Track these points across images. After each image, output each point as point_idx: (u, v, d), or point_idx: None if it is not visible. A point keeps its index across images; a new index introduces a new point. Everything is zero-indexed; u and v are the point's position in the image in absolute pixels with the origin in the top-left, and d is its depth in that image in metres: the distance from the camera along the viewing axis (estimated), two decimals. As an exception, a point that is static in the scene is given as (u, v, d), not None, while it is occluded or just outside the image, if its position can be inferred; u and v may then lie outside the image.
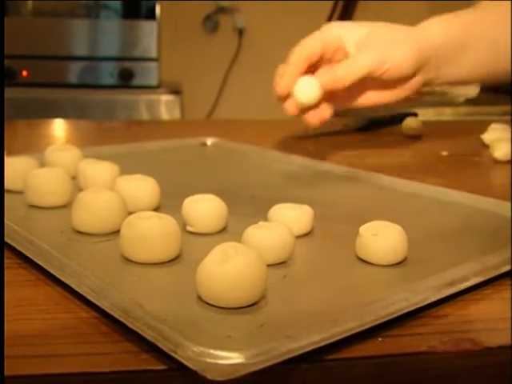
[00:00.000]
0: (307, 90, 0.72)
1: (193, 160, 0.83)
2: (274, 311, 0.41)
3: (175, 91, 2.11)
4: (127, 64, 2.11)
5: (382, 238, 0.49)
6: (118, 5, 2.10)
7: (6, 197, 0.62)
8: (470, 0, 0.84)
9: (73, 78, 2.11)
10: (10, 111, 1.90)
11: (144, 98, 2.07)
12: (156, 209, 0.60)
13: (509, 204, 0.62)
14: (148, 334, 0.36)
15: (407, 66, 0.75)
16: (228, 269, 0.41)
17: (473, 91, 1.54)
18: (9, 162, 0.65)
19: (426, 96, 1.58)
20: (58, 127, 1.19)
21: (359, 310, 0.40)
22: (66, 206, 0.60)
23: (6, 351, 0.36)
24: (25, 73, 2.06)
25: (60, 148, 0.73)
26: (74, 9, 2.10)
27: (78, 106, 2.05)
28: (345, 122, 1.08)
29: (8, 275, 0.46)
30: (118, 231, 0.50)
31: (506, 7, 0.83)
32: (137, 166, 0.68)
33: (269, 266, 0.44)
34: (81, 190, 0.61)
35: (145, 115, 2.06)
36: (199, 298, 0.42)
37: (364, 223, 0.51)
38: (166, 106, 2.08)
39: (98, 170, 0.64)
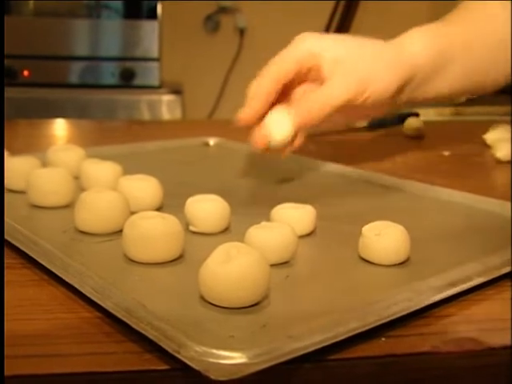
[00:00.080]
0: (279, 130, 0.63)
1: (195, 160, 0.83)
2: (277, 311, 0.41)
3: (176, 91, 2.11)
4: (128, 64, 2.11)
5: (384, 238, 0.49)
6: (119, 5, 2.10)
7: (9, 196, 0.63)
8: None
9: (74, 78, 2.11)
10: (11, 111, 1.90)
11: (145, 97, 2.07)
12: (158, 209, 0.60)
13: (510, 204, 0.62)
14: (151, 334, 0.36)
15: (389, 92, 0.68)
16: (231, 269, 0.41)
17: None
18: (11, 161, 0.65)
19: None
20: (59, 127, 1.19)
21: (362, 310, 0.40)
22: (69, 205, 0.60)
23: (10, 351, 0.36)
24: (26, 73, 2.06)
25: (63, 148, 0.73)
26: (76, 9, 2.10)
27: (79, 106, 2.05)
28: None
29: (12, 275, 0.47)
30: (120, 231, 0.50)
31: (491, 8, 0.78)
32: (139, 166, 0.68)
33: (271, 265, 0.44)
34: (83, 189, 0.61)
35: (146, 115, 2.06)
36: (202, 297, 0.42)
37: (366, 223, 0.51)
38: (167, 106, 2.07)
39: (101, 170, 0.64)
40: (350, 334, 0.37)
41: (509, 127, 0.98)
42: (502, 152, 0.89)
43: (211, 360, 0.34)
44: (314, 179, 0.75)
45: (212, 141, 0.92)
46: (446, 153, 0.94)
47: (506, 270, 0.47)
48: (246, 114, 0.64)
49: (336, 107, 0.64)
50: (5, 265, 0.48)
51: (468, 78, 0.75)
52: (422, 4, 2.33)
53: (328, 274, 0.48)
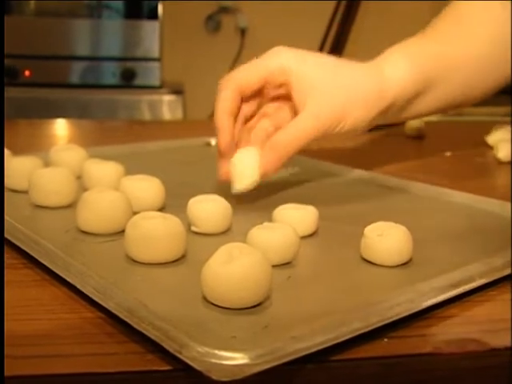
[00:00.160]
0: (247, 177, 0.61)
1: (197, 160, 0.83)
2: (279, 312, 0.41)
3: (177, 91, 2.11)
4: (129, 64, 2.11)
5: (387, 239, 0.49)
6: (120, 5, 2.10)
7: (11, 196, 0.63)
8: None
9: (75, 78, 2.11)
10: (12, 111, 1.90)
11: (146, 97, 2.07)
12: (160, 209, 0.60)
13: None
14: (153, 335, 0.36)
15: (365, 123, 0.64)
16: (233, 269, 0.41)
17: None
18: (14, 161, 0.65)
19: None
20: (60, 127, 1.19)
21: (364, 311, 0.40)
22: (71, 205, 0.60)
23: (11, 351, 0.36)
24: (27, 72, 2.06)
25: (65, 148, 0.73)
26: (77, 9, 2.10)
27: (80, 106, 2.05)
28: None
29: (14, 275, 0.47)
30: (122, 231, 0.50)
31: (480, 13, 0.75)
32: (141, 166, 0.68)
33: (273, 266, 0.44)
34: (85, 189, 0.61)
35: (147, 115, 2.06)
36: (204, 298, 0.42)
37: (368, 224, 0.51)
38: (168, 106, 2.08)
39: (103, 170, 0.64)
40: (353, 335, 0.37)
41: (510, 128, 0.98)
42: (503, 152, 0.89)
43: (213, 360, 0.34)
44: (315, 180, 0.75)
45: (214, 141, 0.92)
46: (447, 153, 0.94)
47: (508, 271, 0.47)
48: (222, 146, 0.62)
49: (306, 143, 0.62)
50: (6, 265, 0.48)
51: (453, 97, 0.73)
52: (423, 4, 2.33)
53: (330, 275, 0.48)
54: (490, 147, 0.94)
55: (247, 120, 0.67)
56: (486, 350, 0.38)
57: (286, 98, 0.65)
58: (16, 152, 0.71)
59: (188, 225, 0.54)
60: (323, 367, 0.36)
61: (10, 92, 1.95)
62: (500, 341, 0.39)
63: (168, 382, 0.36)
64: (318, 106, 0.62)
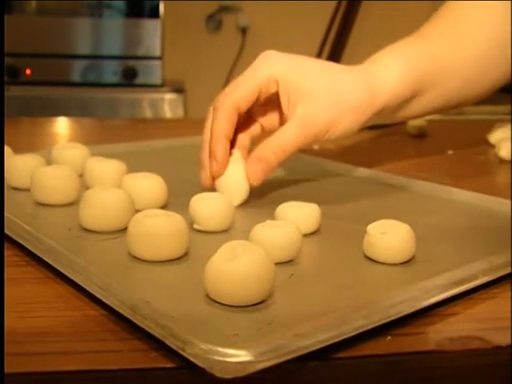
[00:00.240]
0: (239, 192, 0.61)
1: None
2: (282, 309, 0.41)
3: (179, 90, 2.11)
4: (131, 62, 2.11)
5: (389, 237, 0.48)
6: (121, 3, 2.10)
7: (14, 194, 0.63)
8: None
9: (76, 77, 2.12)
10: (13, 109, 1.90)
11: (147, 96, 2.07)
12: (163, 207, 0.60)
13: (514, 203, 0.62)
14: (156, 332, 0.36)
15: (356, 129, 0.64)
16: (236, 267, 0.41)
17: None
18: (16, 159, 0.65)
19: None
20: (62, 125, 1.19)
21: (367, 309, 0.39)
22: (73, 203, 0.60)
23: (15, 348, 0.36)
24: (28, 71, 2.06)
25: (67, 146, 0.73)
26: (78, 7, 2.11)
27: (82, 105, 2.05)
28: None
29: (17, 273, 0.47)
30: (125, 229, 0.50)
31: (476, 12, 0.73)
32: (143, 164, 0.68)
33: (276, 264, 0.44)
34: (88, 187, 0.61)
35: (148, 114, 2.06)
36: (207, 295, 0.42)
37: (371, 222, 0.51)
38: (169, 105, 2.08)
39: (106, 168, 0.64)
40: (356, 333, 0.37)
41: (510, 126, 0.98)
42: (504, 151, 0.89)
43: (216, 358, 0.34)
44: (317, 178, 0.75)
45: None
46: (449, 152, 0.94)
47: (508, 269, 0.47)
48: (217, 164, 0.61)
49: (294, 151, 0.61)
50: (9, 262, 0.48)
51: (450, 98, 0.72)
52: (423, 4, 2.33)
53: (333, 273, 0.48)
54: (492, 146, 0.94)
55: (239, 123, 0.65)
56: (489, 347, 0.38)
57: (275, 102, 0.64)
58: (18, 150, 0.71)
59: (190, 223, 0.54)
60: (326, 365, 0.36)
61: (12, 91, 1.95)
62: (503, 338, 0.39)
63: (171, 380, 0.36)
64: (307, 114, 0.61)
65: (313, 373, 0.36)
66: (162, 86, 2.12)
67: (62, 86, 2.07)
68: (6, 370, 0.34)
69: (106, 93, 2.06)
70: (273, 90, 0.62)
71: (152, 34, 2.11)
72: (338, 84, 0.62)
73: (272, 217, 0.55)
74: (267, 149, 0.61)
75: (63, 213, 0.58)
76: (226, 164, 0.61)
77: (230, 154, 0.63)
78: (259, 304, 0.41)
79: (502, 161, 0.88)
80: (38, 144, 0.94)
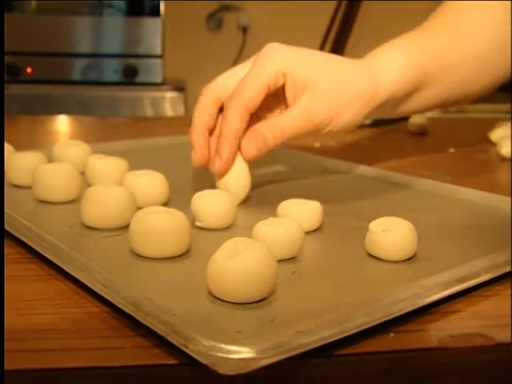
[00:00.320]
0: (240, 190, 0.61)
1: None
2: (284, 306, 0.41)
3: (179, 88, 2.11)
4: (131, 61, 2.11)
5: (391, 234, 0.48)
6: (122, 2, 2.10)
7: (15, 192, 0.63)
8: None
9: (77, 75, 2.12)
10: (14, 108, 1.90)
11: (148, 94, 2.07)
12: (164, 204, 0.60)
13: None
14: (158, 328, 0.36)
15: (357, 122, 0.64)
16: (238, 264, 0.41)
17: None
18: (18, 157, 0.65)
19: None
20: (63, 123, 1.19)
21: (370, 306, 0.39)
22: (75, 201, 0.60)
23: (17, 345, 0.36)
24: (29, 70, 2.06)
25: (68, 144, 0.73)
26: (78, 6, 2.10)
27: (82, 103, 2.05)
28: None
29: (19, 270, 0.47)
30: (126, 226, 0.50)
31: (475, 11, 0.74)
32: (144, 161, 0.68)
33: (278, 261, 0.44)
34: (89, 185, 0.61)
35: (149, 112, 2.06)
36: (209, 292, 0.42)
37: (373, 219, 0.51)
38: (170, 103, 2.08)
39: (107, 166, 0.64)
40: (358, 330, 0.37)
41: (510, 124, 0.98)
42: (506, 149, 0.88)
43: (219, 354, 0.34)
44: (319, 175, 0.75)
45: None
46: (451, 149, 0.94)
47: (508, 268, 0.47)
48: (221, 162, 0.60)
49: (291, 135, 0.61)
50: (11, 259, 0.48)
51: (450, 94, 0.72)
52: (423, 4, 2.33)
53: (335, 270, 0.48)
54: (493, 144, 0.94)
55: None
56: (492, 344, 0.38)
57: (278, 96, 0.64)
58: (18, 148, 0.71)
59: (192, 220, 0.54)
60: (329, 362, 0.36)
61: (12, 89, 1.95)
62: (506, 335, 0.39)
63: (174, 376, 0.36)
64: (310, 104, 0.61)
65: (315, 370, 0.36)
66: (162, 84, 2.12)
67: (63, 85, 2.07)
68: (7, 366, 0.34)
69: (106, 91, 2.06)
70: (281, 82, 0.62)
71: (152, 32, 2.11)
72: (341, 75, 0.63)
73: (274, 214, 0.55)
74: (266, 127, 0.61)
75: (65, 210, 0.58)
76: (230, 164, 0.61)
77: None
78: (261, 301, 0.41)
79: (503, 159, 0.88)
80: (38, 142, 0.94)
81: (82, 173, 0.65)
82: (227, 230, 0.55)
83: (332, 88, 0.62)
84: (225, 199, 0.55)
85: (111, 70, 2.11)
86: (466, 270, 0.46)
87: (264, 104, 0.63)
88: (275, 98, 0.64)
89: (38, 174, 0.60)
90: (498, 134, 0.95)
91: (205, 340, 0.35)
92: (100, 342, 0.37)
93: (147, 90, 2.08)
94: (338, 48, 2.28)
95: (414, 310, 0.40)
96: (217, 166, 0.61)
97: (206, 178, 0.63)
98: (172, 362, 0.35)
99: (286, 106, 0.63)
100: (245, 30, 2.55)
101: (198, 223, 0.55)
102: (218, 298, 0.41)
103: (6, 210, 0.54)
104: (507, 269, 0.47)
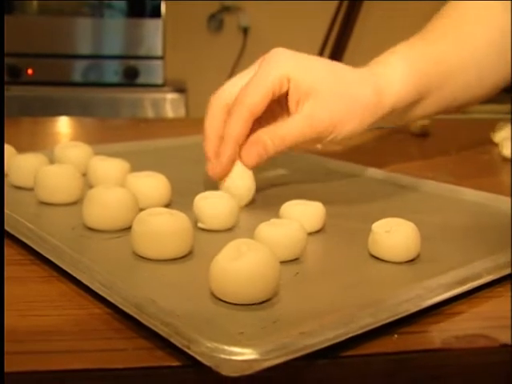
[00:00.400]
0: (244, 195, 0.61)
1: (202, 157, 0.83)
2: (288, 308, 0.41)
3: (180, 89, 2.11)
4: (132, 62, 2.11)
5: (394, 235, 0.48)
6: (122, 3, 2.10)
7: (17, 193, 0.63)
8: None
9: (78, 77, 2.11)
10: (14, 109, 1.90)
11: (149, 96, 2.07)
12: (167, 206, 0.59)
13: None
14: (161, 330, 0.36)
15: (360, 131, 0.63)
16: (241, 265, 0.41)
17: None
18: (19, 158, 0.65)
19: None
20: (64, 125, 1.19)
21: (374, 307, 0.39)
22: (77, 202, 0.60)
23: (19, 347, 0.36)
24: (30, 71, 2.06)
25: (70, 145, 0.73)
26: (79, 7, 2.10)
27: (83, 105, 2.05)
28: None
29: (21, 271, 0.47)
30: (129, 228, 0.50)
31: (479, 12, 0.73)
32: (146, 163, 0.68)
33: (281, 262, 0.44)
34: (91, 186, 0.61)
35: (150, 113, 2.06)
36: (212, 294, 0.42)
37: (375, 220, 0.51)
38: (170, 105, 2.07)
39: (109, 167, 0.64)
40: (362, 331, 0.37)
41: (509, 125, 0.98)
42: (508, 150, 0.88)
43: (222, 356, 0.34)
44: (321, 177, 0.75)
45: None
46: (453, 151, 0.93)
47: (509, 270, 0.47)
48: (221, 166, 0.60)
49: (293, 143, 0.61)
50: (13, 261, 0.48)
51: (453, 99, 0.72)
52: (425, 4, 2.33)
53: (338, 271, 0.48)
54: (495, 144, 0.94)
55: None
56: (495, 345, 0.38)
57: (281, 102, 0.64)
58: (19, 150, 0.71)
59: (194, 221, 0.54)
60: (333, 363, 0.36)
61: (13, 90, 1.95)
62: (509, 336, 0.39)
63: (177, 378, 0.36)
64: (314, 111, 0.61)
65: (321, 371, 0.36)
66: (163, 85, 2.12)
67: (64, 86, 2.07)
68: (10, 368, 0.34)
69: (107, 93, 2.06)
70: (285, 88, 0.61)
71: (153, 33, 2.11)
72: (345, 84, 0.62)
73: (276, 215, 0.55)
74: (266, 134, 0.61)
75: (67, 212, 0.58)
76: (229, 168, 0.61)
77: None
78: (264, 302, 0.41)
79: (505, 159, 0.88)
80: (39, 144, 0.93)
81: (84, 174, 0.65)
82: (230, 231, 0.55)
83: (335, 95, 0.61)
84: (227, 201, 0.55)
85: (112, 71, 2.11)
86: (468, 272, 0.46)
87: (267, 111, 0.63)
88: (278, 106, 0.64)
89: (40, 175, 0.60)
90: (501, 134, 0.95)
91: (208, 341, 0.35)
92: (102, 344, 0.37)
93: (148, 92, 2.08)
94: (339, 48, 2.28)
95: (418, 311, 0.40)
96: (217, 169, 0.61)
97: (209, 178, 0.63)
98: (175, 363, 0.35)
99: (289, 114, 0.62)
100: (245, 30, 2.55)
101: (200, 225, 0.55)
102: (221, 300, 0.41)
103: (7, 211, 0.54)
104: (508, 271, 0.47)
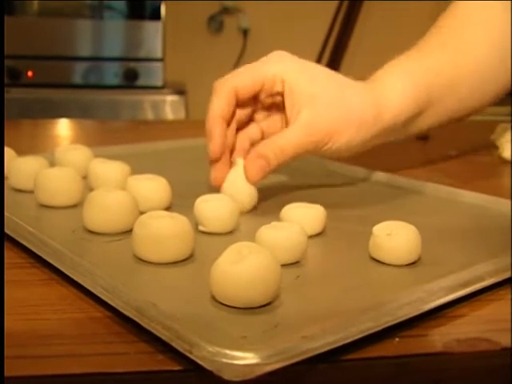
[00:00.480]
0: (245, 200, 0.60)
1: (202, 160, 0.82)
2: (289, 311, 0.41)
3: (180, 91, 2.11)
4: (132, 64, 2.11)
5: (395, 238, 0.48)
6: (122, 5, 2.10)
7: (18, 196, 0.63)
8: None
9: (77, 79, 2.12)
10: (14, 111, 1.90)
11: (149, 98, 2.07)
12: (167, 209, 0.59)
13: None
14: (162, 334, 0.36)
15: (359, 145, 0.63)
16: (242, 269, 0.41)
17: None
18: (19, 161, 0.65)
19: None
20: (63, 127, 1.19)
21: (375, 311, 0.39)
22: (77, 205, 0.60)
23: (19, 351, 0.36)
24: (30, 73, 2.06)
25: (70, 148, 0.73)
26: (79, 9, 2.11)
27: (83, 107, 2.05)
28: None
29: (21, 274, 0.46)
30: (129, 231, 0.50)
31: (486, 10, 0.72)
32: (147, 165, 0.68)
33: (282, 266, 0.43)
34: (91, 189, 0.61)
35: (149, 115, 2.06)
36: (213, 297, 0.42)
37: (376, 223, 0.51)
38: (170, 107, 2.08)
39: (109, 170, 0.64)
40: (364, 335, 0.37)
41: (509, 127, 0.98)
42: (508, 152, 0.88)
43: (224, 360, 0.34)
44: (322, 179, 0.75)
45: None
46: (453, 152, 0.93)
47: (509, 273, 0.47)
48: (212, 153, 0.61)
49: (295, 155, 0.60)
50: (13, 264, 0.48)
51: (455, 110, 0.71)
52: (425, 5, 2.33)
53: (339, 274, 0.47)
54: (496, 147, 0.94)
55: (240, 125, 0.65)
56: (497, 349, 0.38)
57: (279, 107, 0.64)
58: (19, 153, 0.71)
59: (195, 224, 0.54)
60: (334, 367, 0.36)
61: (13, 93, 1.95)
62: (511, 340, 0.39)
63: (178, 382, 0.36)
64: (311, 119, 0.60)
65: (322, 375, 0.36)
66: (163, 87, 2.12)
67: (64, 88, 2.07)
68: (10, 373, 0.34)
69: (107, 95, 2.06)
70: (277, 88, 0.61)
71: (153, 35, 2.11)
72: (344, 94, 0.62)
73: (277, 218, 0.55)
74: (267, 147, 0.60)
75: (67, 215, 0.58)
76: (223, 145, 0.61)
77: (232, 159, 0.63)
78: (265, 306, 0.41)
79: (505, 162, 0.88)
80: (39, 146, 0.93)
81: (84, 177, 0.65)
82: (230, 234, 0.55)
83: (334, 106, 0.61)
84: (228, 203, 0.55)
85: (112, 73, 2.11)
86: (469, 275, 0.46)
87: (263, 115, 0.63)
88: (275, 110, 0.64)
89: (40, 178, 0.60)
90: (501, 137, 0.95)
91: (209, 346, 0.35)
92: (103, 348, 0.37)
93: (148, 94, 2.08)
94: (340, 49, 2.28)
95: (419, 315, 0.40)
96: (211, 148, 0.61)
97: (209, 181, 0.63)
98: (176, 367, 0.35)
99: (285, 118, 0.62)
100: (245, 32, 2.55)
101: (201, 227, 0.54)
102: (222, 303, 0.41)
103: (8, 214, 0.54)
104: (509, 274, 0.47)
